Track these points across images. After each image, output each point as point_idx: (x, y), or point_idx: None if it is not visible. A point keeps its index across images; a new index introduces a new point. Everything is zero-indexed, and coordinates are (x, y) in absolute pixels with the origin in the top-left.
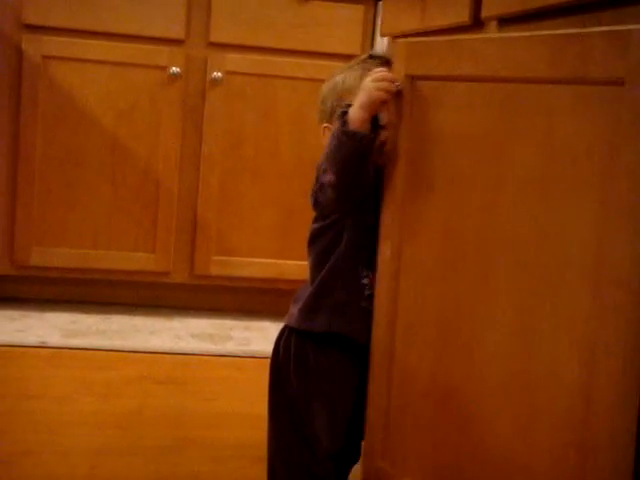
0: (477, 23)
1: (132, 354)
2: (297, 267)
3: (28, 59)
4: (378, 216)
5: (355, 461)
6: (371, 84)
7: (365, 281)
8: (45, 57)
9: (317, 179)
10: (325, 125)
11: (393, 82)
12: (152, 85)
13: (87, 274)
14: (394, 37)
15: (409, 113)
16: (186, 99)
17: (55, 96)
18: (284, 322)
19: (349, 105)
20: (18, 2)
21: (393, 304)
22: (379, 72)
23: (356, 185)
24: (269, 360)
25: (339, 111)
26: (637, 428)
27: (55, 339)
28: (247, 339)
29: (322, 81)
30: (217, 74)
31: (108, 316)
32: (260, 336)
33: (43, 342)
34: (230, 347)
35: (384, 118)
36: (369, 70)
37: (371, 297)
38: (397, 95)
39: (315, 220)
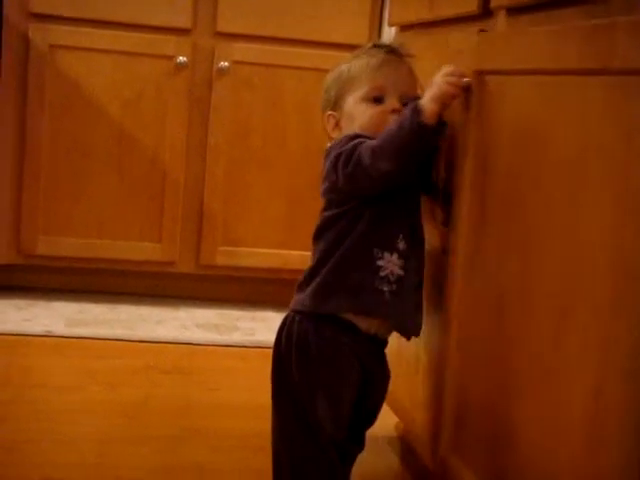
0: (486, 12)
1: (138, 344)
2: (303, 257)
3: (35, 48)
4: (398, 199)
5: (360, 450)
6: (441, 78)
7: (380, 262)
8: (52, 46)
9: (349, 162)
10: (329, 113)
11: (462, 77)
12: (159, 75)
13: (93, 264)
14: (402, 27)
15: (477, 108)
16: (193, 89)
17: (62, 85)
18: (290, 308)
19: (416, 97)
20: None
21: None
22: (449, 67)
23: (409, 174)
24: None
25: (412, 103)
26: None
27: (61, 328)
28: (253, 329)
29: (329, 71)
30: (224, 64)
31: (114, 306)
32: (266, 326)
33: (49, 331)
34: (236, 337)
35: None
36: (374, 58)
37: (386, 278)
38: (466, 90)
39: (327, 208)
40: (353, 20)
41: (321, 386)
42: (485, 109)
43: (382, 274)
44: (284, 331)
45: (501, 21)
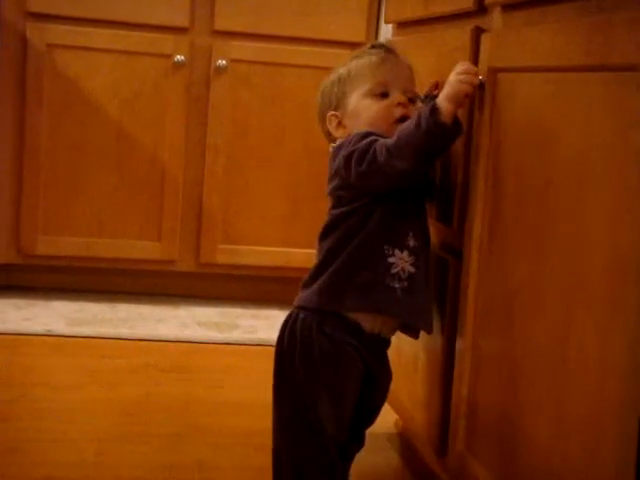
0: (481, 9)
1: (138, 342)
2: (303, 255)
3: (33, 47)
4: (408, 197)
5: (360, 447)
6: (454, 77)
7: (392, 260)
8: (50, 45)
9: (363, 161)
10: (332, 113)
11: (475, 75)
12: (157, 73)
13: (93, 263)
14: (398, 24)
15: (490, 105)
16: (191, 87)
17: (60, 85)
18: (294, 305)
19: (429, 96)
20: None
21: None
22: (463, 65)
23: (422, 173)
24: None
25: (428, 102)
26: None
27: (61, 327)
28: (253, 327)
29: (327, 69)
30: (222, 62)
31: (114, 304)
32: (266, 324)
33: (49, 330)
34: (236, 335)
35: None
36: (374, 56)
37: (397, 275)
38: (480, 88)
39: (336, 206)
40: (351, 17)
41: (324, 385)
42: (497, 108)
43: (393, 271)
44: (287, 328)
45: (496, 18)
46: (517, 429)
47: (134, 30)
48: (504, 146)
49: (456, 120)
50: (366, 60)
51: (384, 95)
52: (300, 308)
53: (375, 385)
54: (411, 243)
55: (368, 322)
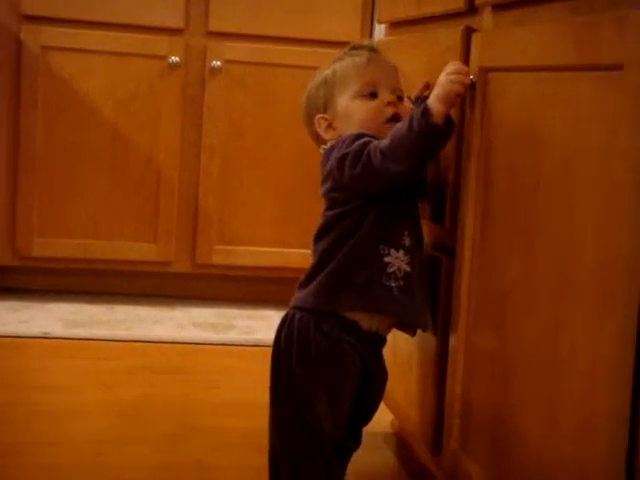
0: (472, 9)
1: (135, 344)
2: (299, 255)
3: (27, 50)
4: (402, 196)
5: (356, 446)
6: (446, 77)
7: (387, 259)
8: (44, 47)
9: (357, 163)
10: (320, 116)
11: (466, 74)
12: (152, 75)
13: (89, 264)
14: (391, 24)
15: (481, 105)
16: (186, 88)
17: (55, 86)
18: (290, 305)
19: (420, 97)
20: None
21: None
22: (454, 65)
23: (417, 174)
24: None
25: (419, 104)
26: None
27: (58, 329)
28: (250, 328)
29: (310, 81)
30: (216, 63)
31: (111, 306)
32: (263, 325)
33: (46, 333)
34: (233, 336)
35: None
36: (359, 56)
37: (394, 274)
38: (471, 88)
39: (330, 207)
40: (345, 17)
41: (322, 383)
42: (488, 107)
43: (389, 270)
44: (284, 328)
45: (487, 17)
46: (510, 428)
47: (129, 31)
48: (495, 146)
49: (448, 120)
50: (350, 61)
51: (373, 95)
52: (297, 308)
53: (372, 383)
54: (406, 242)
55: (366, 320)
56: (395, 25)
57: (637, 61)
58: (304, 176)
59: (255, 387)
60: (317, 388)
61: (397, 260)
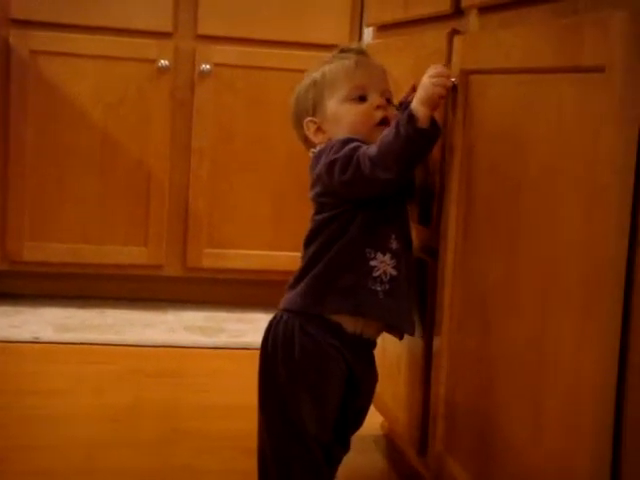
0: (458, 12)
1: (126, 348)
2: (290, 258)
3: (16, 54)
4: (390, 201)
5: (345, 452)
6: (427, 80)
7: (373, 263)
8: (33, 52)
9: (346, 170)
10: (309, 119)
11: (448, 77)
12: (141, 78)
13: (80, 269)
14: (379, 27)
15: (463, 108)
16: (175, 92)
17: (44, 91)
18: (280, 306)
19: (403, 103)
20: None
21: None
22: (436, 68)
23: (406, 178)
24: None
25: (404, 109)
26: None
27: (49, 334)
28: (240, 331)
29: (297, 84)
30: (206, 66)
31: (101, 310)
32: (253, 328)
33: (37, 337)
34: (223, 339)
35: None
36: (348, 60)
37: (379, 278)
38: (453, 90)
39: (319, 212)
40: (334, 20)
41: (306, 386)
42: (470, 109)
43: (375, 274)
44: (271, 331)
45: (473, 20)
46: (495, 430)
47: (118, 35)
48: (477, 148)
49: (433, 122)
50: (339, 64)
51: (362, 99)
52: (284, 310)
53: (359, 387)
54: (393, 246)
55: (350, 323)
56: (383, 28)
57: (619, 63)
58: (294, 179)
59: (244, 390)
60: (301, 390)
61: (383, 264)
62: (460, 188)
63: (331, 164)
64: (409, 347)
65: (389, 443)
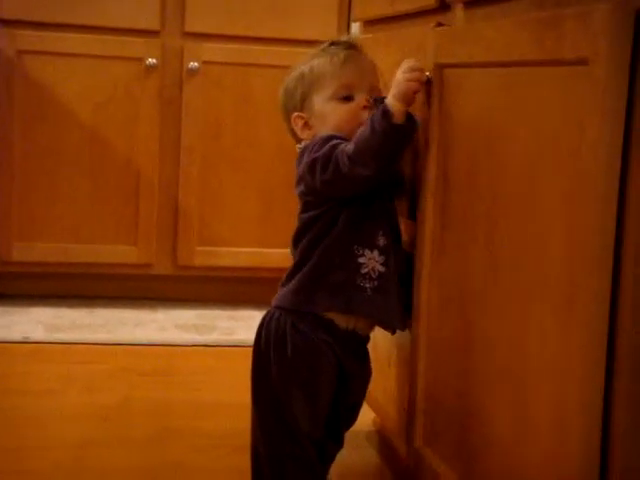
0: (443, 6)
1: (117, 347)
2: (280, 255)
3: (3, 54)
4: (375, 197)
5: (338, 449)
6: (402, 76)
7: (361, 260)
8: (20, 52)
9: (326, 169)
10: (297, 114)
11: (421, 71)
12: (129, 77)
13: (69, 268)
14: (365, 22)
15: (438, 102)
16: (163, 90)
17: (31, 91)
18: (273, 304)
19: (378, 99)
20: None
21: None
22: (408, 63)
23: (386, 173)
24: None
25: (378, 105)
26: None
27: (39, 334)
28: (231, 328)
29: (286, 75)
30: (194, 64)
31: (92, 310)
32: (244, 325)
33: (27, 337)
34: (215, 337)
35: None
36: (336, 55)
37: (368, 275)
38: (427, 84)
39: (304, 210)
40: (322, 16)
41: (298, 384)
42: (445, 103)
43: (363, 271)
44: (264, 328)
45: (458, 14)
46: (478, 426)
47: (105, 34)
48: (453, 140)
49: (409, 117)
50: (327, 59)
51: (348, 98)
52: (276, 307)
53: (351, 383)
54: (381, 242)
55: (342, 320)
56: (369, 23)
57: (603, 56)
58: (283, 176)
59: (237, 388)
60: (293, 387)
61: (371, 261)
62: (437, 180)
63: (312, 163)
64: (399, 342)
65: (381, 439)
